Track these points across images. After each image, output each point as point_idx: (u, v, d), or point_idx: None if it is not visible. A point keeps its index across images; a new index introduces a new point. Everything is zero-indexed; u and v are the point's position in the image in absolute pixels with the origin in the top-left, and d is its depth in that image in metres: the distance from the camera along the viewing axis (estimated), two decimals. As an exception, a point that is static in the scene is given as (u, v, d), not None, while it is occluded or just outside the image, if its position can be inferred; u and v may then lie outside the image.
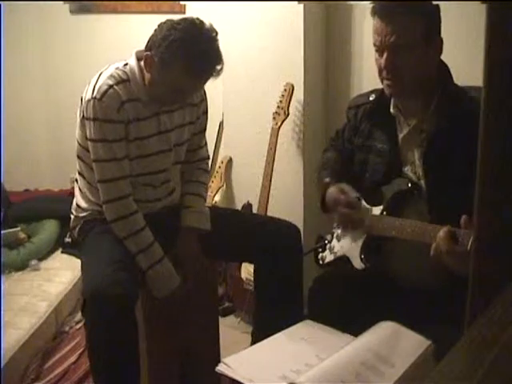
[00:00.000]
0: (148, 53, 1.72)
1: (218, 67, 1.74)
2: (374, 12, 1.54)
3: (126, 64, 1.79)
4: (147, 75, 1.76)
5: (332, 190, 1.72)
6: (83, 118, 1.76)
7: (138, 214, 1.80)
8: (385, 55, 1.52)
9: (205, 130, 2.05)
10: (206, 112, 2.00)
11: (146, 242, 1.79)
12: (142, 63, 1.77)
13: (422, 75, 1.55)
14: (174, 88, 1.74)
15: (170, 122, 1.87)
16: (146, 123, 1.81)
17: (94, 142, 1.75)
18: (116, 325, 1.61)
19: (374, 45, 1.56)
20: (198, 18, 1.73)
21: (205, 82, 1.79)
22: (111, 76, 1.74)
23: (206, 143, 2.10)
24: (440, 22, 1.55)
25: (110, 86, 1.72)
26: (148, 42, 1.74)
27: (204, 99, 1.98)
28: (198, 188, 2.01)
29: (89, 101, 1.72)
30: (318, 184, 1.86)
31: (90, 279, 1.70)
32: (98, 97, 1.70)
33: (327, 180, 1.77)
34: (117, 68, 1.77)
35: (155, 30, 1.72)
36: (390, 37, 1.50)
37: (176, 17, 1.76)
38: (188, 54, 1.67)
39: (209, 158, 2.14)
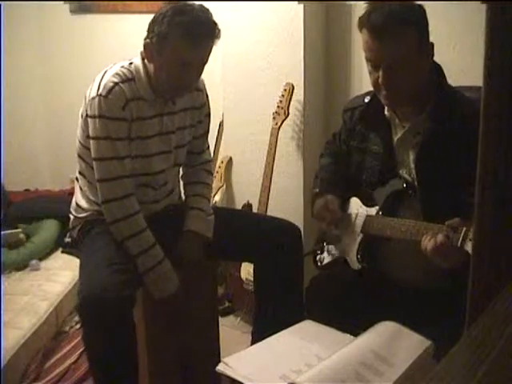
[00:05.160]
0: (146, 40, 1.72)
1: (216, 30, 1.71)
2: (362, 26, 1.49)
3: (131, 63, 1.79)
4: (150, 68, 1.75)
5: (318, 202, 1.76)
6: (86, 117, 1.75)
7: (140, 215, 1.78)
8: (381, 73, 1.49)
9: (207, 132, 2.05)
10: (208, 115, 2.01)
11: (147, 243, 1.77)
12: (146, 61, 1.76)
13: (418, 83, 1.53)
14: (178, 63, 1.70)
15: (172, 124, 1.86)
16: (149, 123, 1.80)
17: (96, 139, 1.73)
18: (110, 328, 1.60)
19: (367, 59, 1.52)
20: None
21: (207, 50, 1.73)
22: (116, 74, 1.74)
23: (208, 146, 2.10)
24: (428, 25, 1.51)
25: (116, 84, 1.71)
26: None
27: (206, 103, 1.98)
28: (202, 189, 2.01)
29: (93, 98, 1.71)
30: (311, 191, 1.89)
31: (85, 281, 1.69)
32: (103, 94, 1.70)
33: (316, 190, 1.81)
34: (122, 66, 1.77)
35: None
36: (385, 56, 1.46)
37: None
38: (182, 20, 1.66)
39: (212, 161, 2.14)
